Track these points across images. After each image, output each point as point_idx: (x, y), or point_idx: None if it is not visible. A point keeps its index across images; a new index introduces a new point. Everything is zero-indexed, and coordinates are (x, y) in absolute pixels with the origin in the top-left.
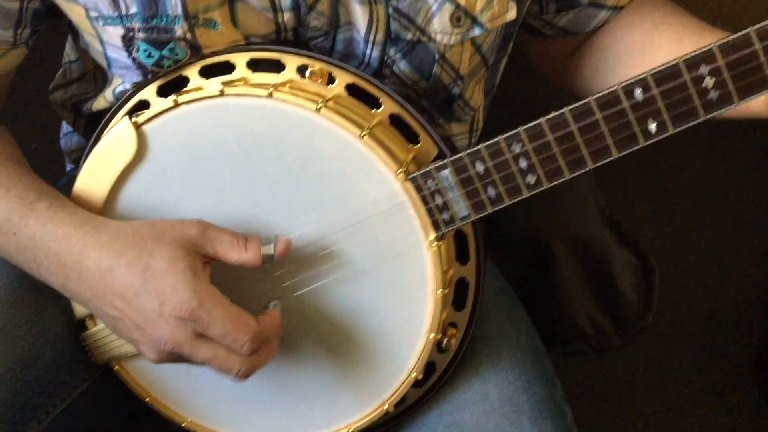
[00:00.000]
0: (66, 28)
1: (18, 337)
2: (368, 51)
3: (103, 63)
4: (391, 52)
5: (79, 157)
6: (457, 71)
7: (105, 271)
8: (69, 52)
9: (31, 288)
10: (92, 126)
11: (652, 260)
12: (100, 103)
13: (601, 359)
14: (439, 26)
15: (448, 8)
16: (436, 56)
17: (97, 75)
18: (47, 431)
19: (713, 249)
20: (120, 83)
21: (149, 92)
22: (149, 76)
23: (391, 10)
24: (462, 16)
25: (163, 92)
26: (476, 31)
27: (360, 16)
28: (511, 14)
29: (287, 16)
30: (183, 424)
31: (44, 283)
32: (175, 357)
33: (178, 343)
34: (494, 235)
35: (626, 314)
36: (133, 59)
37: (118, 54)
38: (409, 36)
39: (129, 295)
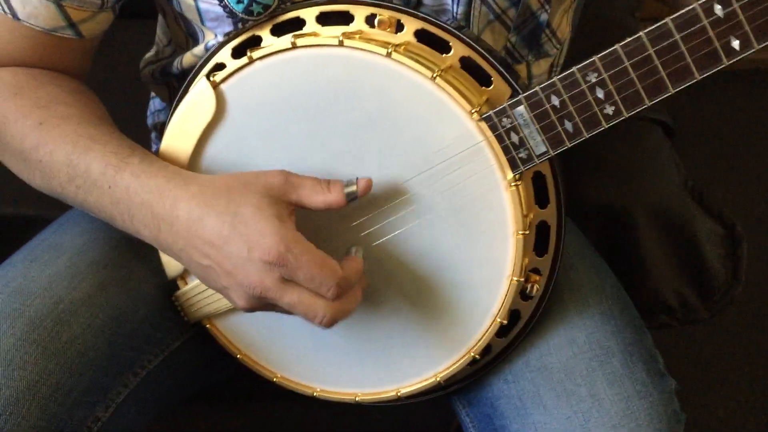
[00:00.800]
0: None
1: (113, 294)
2: None
3: (196, 18)
4: None
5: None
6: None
7: (196, 220)
8: (161, 37)
9: (125, 250)
10: None
11: (739, 229)
12: (188, 59)
13: (687, 337)
14: None
15: None
16: None
17: (188, 45)
18: (143, 388)
19: None
20: (213, 37)
21: (225, 53)
22: (240, 25)
23: None
24: None
25: (237, 54)
26: None
27: None
28: None
29: None
30: (274, 380)
31: (136, 237)
32: (263, 303)
33: (266, 288)
34: (571, 208)
35: (713, 286)
36: (224, 6)
37: (209, 5)
38: None
39: (219, 242)
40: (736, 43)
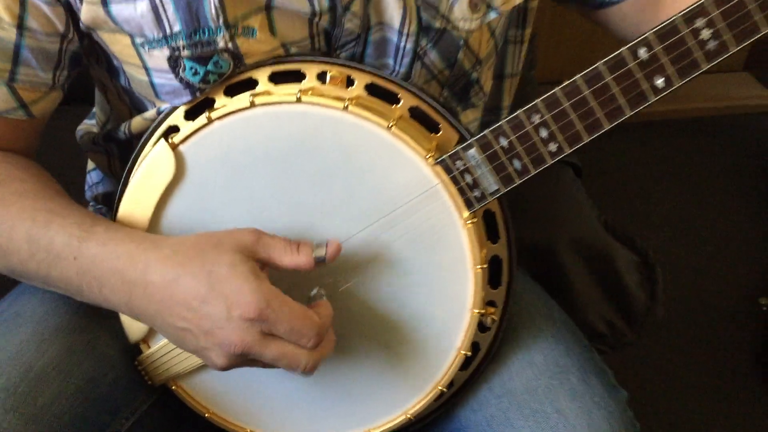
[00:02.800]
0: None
1: (81, 360)
2: (402, 43)
3: (150, 93)
4: (423, 42)
5: (105, 200)
6: (477, 56)
7: (171, 282)
8: (99, 115)
9: (87, 315)
10: (127, 162)
11: (651, 255)
12: (138, 123)
13: (614, 357)
14: (460, 13)
15: None
16: (461, 43)
17: (131, 114)
18: None
19: (708, 246)
20: (166, 104)
21: (178, 116)
22: (197, 94)
23: (420, 1)
24: (479, 2)
25: (190, 116)
26: (492, 15)
27: (395, 10)
28: None
29: (323, 18)
30: None
31: (104, 306)
32: (243, 360)
33: (248, 345)
34: None
35: (636, 310)
36: (181, 79)
37: (164, 78)
38: (437, 24)
39: (195, 303)
40: (660, 82)
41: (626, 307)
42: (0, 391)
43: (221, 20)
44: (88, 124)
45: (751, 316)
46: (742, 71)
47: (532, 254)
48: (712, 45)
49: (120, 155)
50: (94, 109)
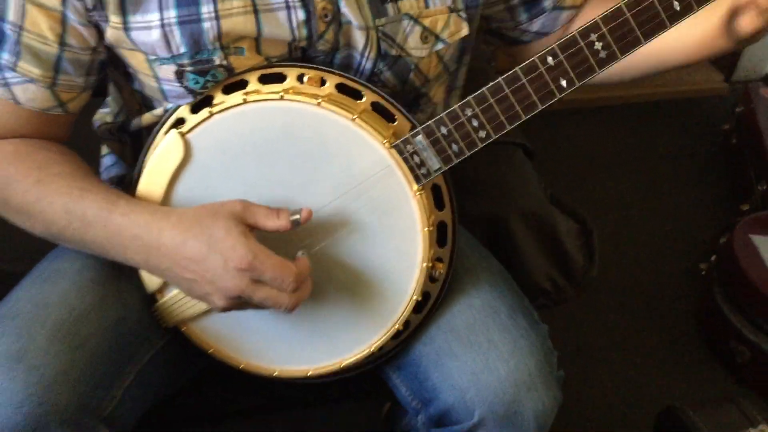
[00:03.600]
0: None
1: (112, 304)
2: (363, 63)
3: (159, 97)
4: (380, 65)
5: (119, 182)
6: (426, 77)
7: (179, 244)
8: (112, 105)
9: (114, 270)
10: (137, 149)
11: (589, 223)
12: (147, 118)
13: (563, 326)
14: (413, 43)
15: (418, 30)
16: (412, 67)
17: (141, 111)
18: (142, 377)
19: (656, 219)
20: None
21: (184, 110)
22: (198, 96)
23: (380, 34)
24: (428, 35)
25: (195, 110)
26: (440, 46)
27: (359, 39)
28: (464, 31)
29: (301, 42)
30: (240, 367)
31: (127, 263)
32: (238, 302)
33: (241, 289)
34: (461, 219)
35: (575, 270)
36: (185, 87)
37: (171, 86)
38: (393, 52)
39: (199, 258)
40: (563, 82)
41: (567, 267)
42: (52, 325)
43: (218, 44)
44: (103, 113)
45: (693, 280)
46: None
47: (486, 224)
48: (603, 54)
49: (131, 143)
50: (108, 99)
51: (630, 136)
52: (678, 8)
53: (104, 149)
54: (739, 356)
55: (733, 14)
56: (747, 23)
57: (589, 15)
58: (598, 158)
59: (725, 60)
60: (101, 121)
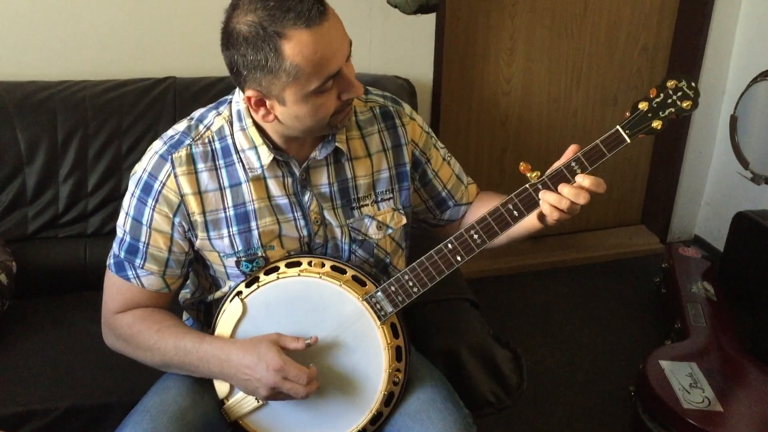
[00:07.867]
0: (192, 271)
1: (200, 404)
2: (342, 247)
3: (224, 276)
4: (354, 246)
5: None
6: (386, 252)
7: (240, 358)
8: (191, 288)
9: (200, 385)
10: (209, 312)
11: (519, 352)
12: (218, 293)
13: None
14: (372, 232)
15: (375, 223)
16: (375, 245)
17: (211, 289)
18: None
19: (593, 352)
20: (232, 282)
21: (242, 286)
22: (248, 277)
23: (350, 228)
24: (381, 225)
25: (248, 285)
26: (389, 231)
27: (338, 233)
28: (404, 221)
29: (305, 240)
30: None
31: (207, 376)
32: (274, 392)
33: (276, 382)
34: (426, 353)
35: (510, 386)
36: (241, 271)
37: (233, 270)
38: (360, 238)
39: (252, 365)
40: (458, 258)
41: (504, 384)
42: (169, 418)
43: (260, 244)
44: (184, 293)
45: (624, 400)
46: (639, 224)
47: (444, 356)
48: (478, 240)
49: (204, 311)
50: (188, 283)
51: (581, 290)
52: (516, 214)
53: (185, 315)
54: None
55: (541, 216)
56: (550, 219)
57: (477, 208)
58: (552, 309)
59: (660, 225)
60: (183, 298)
